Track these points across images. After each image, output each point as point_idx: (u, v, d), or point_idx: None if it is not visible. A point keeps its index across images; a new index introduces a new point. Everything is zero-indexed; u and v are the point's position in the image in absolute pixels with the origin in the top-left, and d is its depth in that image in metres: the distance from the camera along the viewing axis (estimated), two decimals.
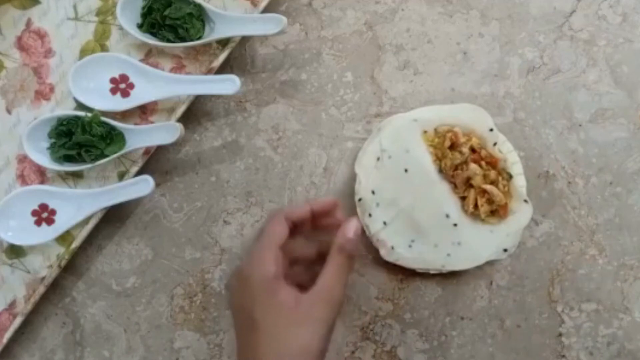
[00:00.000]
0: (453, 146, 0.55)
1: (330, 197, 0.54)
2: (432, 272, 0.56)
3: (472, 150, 0.55)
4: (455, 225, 0.54)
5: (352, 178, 0.58)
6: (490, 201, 0.54)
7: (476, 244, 0.55)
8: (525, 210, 0.54)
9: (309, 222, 0.52)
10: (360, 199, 0.56)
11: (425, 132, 0.56)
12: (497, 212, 0.55)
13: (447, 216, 0.54)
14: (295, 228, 0.51)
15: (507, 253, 0.56)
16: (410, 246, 0.55)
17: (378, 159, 0.56)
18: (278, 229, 0.49)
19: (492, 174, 0.54)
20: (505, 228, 0.55)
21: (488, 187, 0.54)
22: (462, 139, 0.55)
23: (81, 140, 0.57)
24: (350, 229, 0.49)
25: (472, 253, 0.55)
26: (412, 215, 0.55)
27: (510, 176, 0.55)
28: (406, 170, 0.55)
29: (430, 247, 0.55)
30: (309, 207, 0.51)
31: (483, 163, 0.54)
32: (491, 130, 0.55)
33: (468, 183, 0.54)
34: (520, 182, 0.55)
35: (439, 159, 0.55)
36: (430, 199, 0.54)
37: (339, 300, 0.47)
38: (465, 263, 0.55)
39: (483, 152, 0.55)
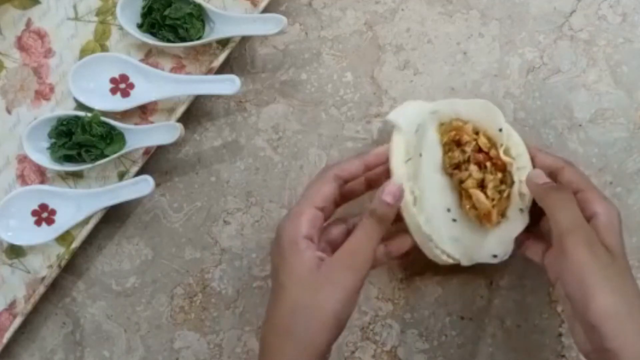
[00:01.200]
0: (459, 143, 0.53)
1: (384, 146, 0.52)
2: (431, 258, 0.54)
3: (480, 149, 0.53)
4: (454, 220, 0.53)
5: None
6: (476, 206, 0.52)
7: (470, 244, 0.53)
8: (519, 219, 0.52)
9: (361, 188, 0.51)
10: (409, 160, 0.52)
11: (442, 124, 0.54)
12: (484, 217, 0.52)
13: (448, 210, 0.53)
14: (348, 192, 0.50)
15: (497, 259, 0.53)
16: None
17: (417, 130, 0.54)
18: (323, 188, 0.48)
19: (489, 177, 0.52)
20: (498, 234, 0.53)
21: (474, 192, 0.51)
22: (468, 138, 0.52)
23: (81, 140, 0.57)
24: (389, 192, 0.47)
25: (466, 252, 0.54)
26: (421, 199, 0.54)
27: (513, 182, 0.52)
28: (420, 155, 0.53)
29: (434, 235, 0.54)
30: (362, 161, 0.50)
31: (489, 164, 0.52)
32: (500, 130, 0.52)
33: (460, 184, 0.53)
34: (524, 188, 0.52)
35: (445, 153, 0.53)
36: (435, 190, 0.53)
37: (361, 266, 0.46)
38: (462, 259, 0.54)
39: (492, 153, 0.52)
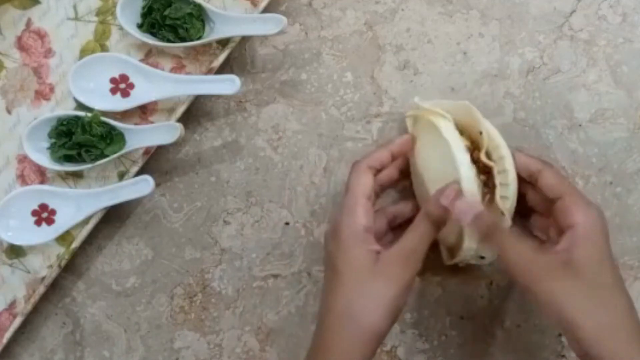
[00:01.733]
0: None
1: (406, 136, 0.54)
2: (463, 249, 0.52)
3: None
4: None
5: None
6: None
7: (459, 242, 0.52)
8: (502, 222, 0.50)
9: (395, 175, 0.54)
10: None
11: None
12: None
13: None
14: (383, 186, 0.53)
15: (485, 261, 0.53)
16: None
17: None
18: (363, 179, 0.50)
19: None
20: None
21: None
22: None
23: (81, 140, 0.57)
24: (448, 195, 0.48)
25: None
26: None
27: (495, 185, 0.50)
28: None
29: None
30: (387, 150, 0.52)
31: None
32: (480, 133, 0.51)
33: None
34: (504, 192, 0.50)
35: None
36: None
37: (415, 265, 0.48)
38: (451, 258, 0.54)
39: (475, 155, 0.51)
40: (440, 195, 0.48)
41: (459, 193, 0.48)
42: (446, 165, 0.50)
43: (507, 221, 0.50)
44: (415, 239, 0.49)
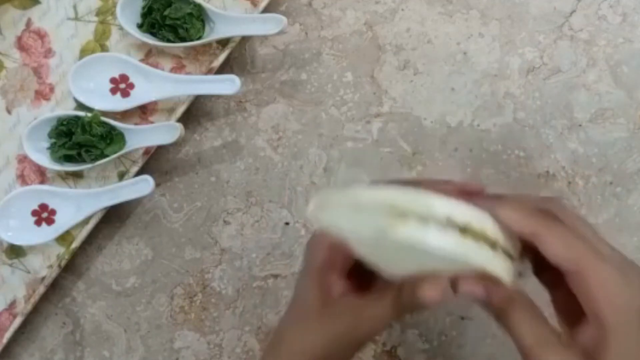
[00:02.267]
0: None
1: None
2: None
3: None
4: None
5: (352, 178, 0.58)
6: None
7: None
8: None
9: None
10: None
11: None
12: None
13: None
14: None
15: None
16: None
17: None
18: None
19: None
20: None
21: None
22: None
23: (81, 140, 0.57)
24: (429, 291, 0.36)
25: None
26: None
27: None
28: None
29: None
30: None
31: None
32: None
33: None
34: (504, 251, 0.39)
35: None
36: None
37: (362, 333, 0.41)
38: None
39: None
40: (424, 286, 0.36)
41: (444, 292, 0.36)
42: (424, 262, 0.37)
43: (527, 268, 0.40)
44: (376, 307, 0.40)
